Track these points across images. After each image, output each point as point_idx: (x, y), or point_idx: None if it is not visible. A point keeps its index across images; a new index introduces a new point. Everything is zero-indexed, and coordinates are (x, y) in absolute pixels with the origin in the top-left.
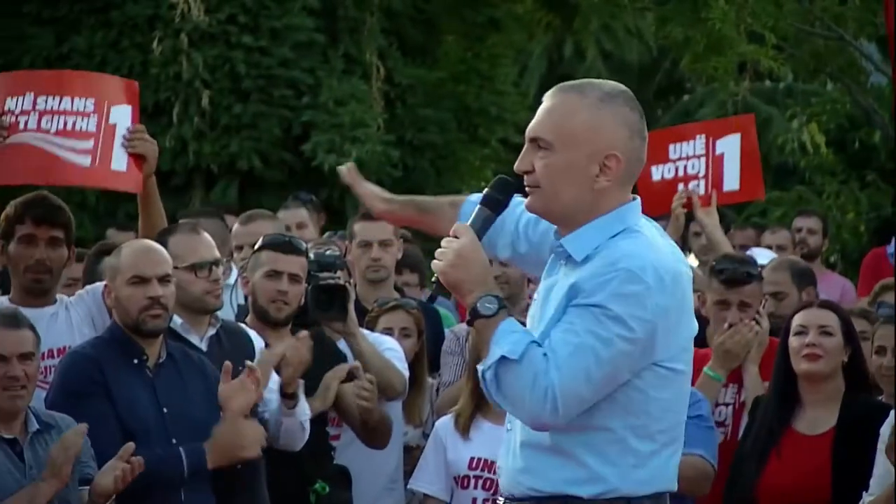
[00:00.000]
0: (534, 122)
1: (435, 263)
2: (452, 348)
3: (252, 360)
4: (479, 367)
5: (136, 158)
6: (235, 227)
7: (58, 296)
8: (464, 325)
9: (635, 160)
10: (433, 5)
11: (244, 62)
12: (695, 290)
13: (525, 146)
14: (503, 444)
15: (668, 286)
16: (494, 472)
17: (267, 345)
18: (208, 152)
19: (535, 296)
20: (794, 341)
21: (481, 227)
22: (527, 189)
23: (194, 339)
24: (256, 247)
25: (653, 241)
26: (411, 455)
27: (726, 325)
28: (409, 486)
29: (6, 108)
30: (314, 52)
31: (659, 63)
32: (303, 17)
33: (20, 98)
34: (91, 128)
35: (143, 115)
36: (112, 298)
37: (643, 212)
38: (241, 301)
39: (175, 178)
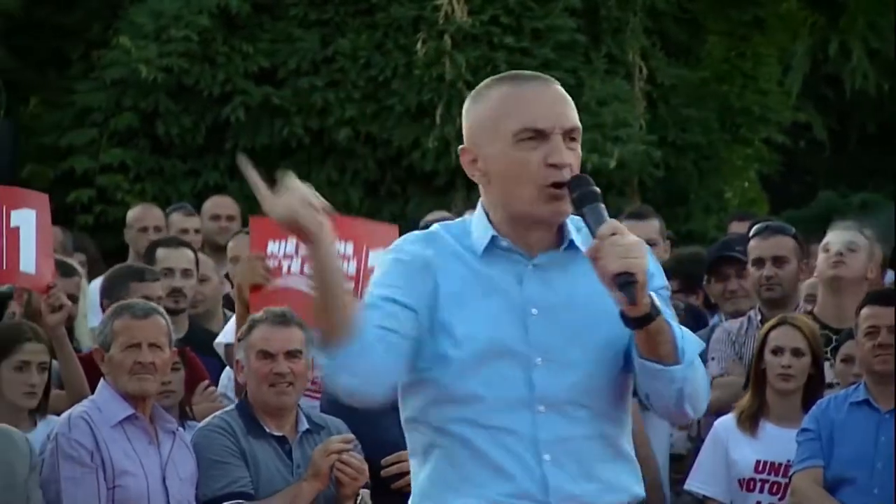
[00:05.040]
0: (562, 113)
1: (634, 261)
2: (723, 343)
3: None
4: (669, 368)
5: None
6: None
7: None
8: (735, 322)
9: None
10: (698, 4)
11: (506, 63)
12: None
13: (555, 138)
14: (517, 473)
15: None
16: (783, 475)
17: None
18: None
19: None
20: None
21: None
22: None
23: None
24: None
25: None
26: (682, 463)
27: None
28: (685, 488)
29: (269, 252)
30: (576, 53)
31: None
32: (565, 18)
33: (283, 242)
34: (351, 271)
35: (406, 116)
36: None
37: None
38: None
39: (437, 179)
